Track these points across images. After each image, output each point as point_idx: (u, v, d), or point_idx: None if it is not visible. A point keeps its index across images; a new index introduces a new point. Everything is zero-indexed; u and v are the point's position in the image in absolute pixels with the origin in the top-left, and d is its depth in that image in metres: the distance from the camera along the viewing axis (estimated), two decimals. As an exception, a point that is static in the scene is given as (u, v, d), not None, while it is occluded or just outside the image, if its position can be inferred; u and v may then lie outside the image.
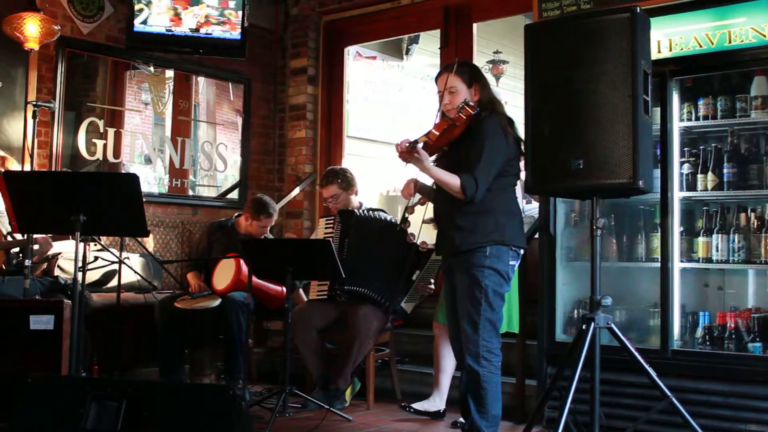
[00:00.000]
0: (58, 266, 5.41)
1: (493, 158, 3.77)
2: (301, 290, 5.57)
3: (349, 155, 7.37)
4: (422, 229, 4.54)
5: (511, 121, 3.95)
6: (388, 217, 5.43)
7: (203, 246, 5.82)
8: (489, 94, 3.99)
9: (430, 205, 4.17)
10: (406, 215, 4.14)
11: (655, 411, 3.85)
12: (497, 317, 3.80)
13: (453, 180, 3.75)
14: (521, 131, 4.00)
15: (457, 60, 4.03)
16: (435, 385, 4.97)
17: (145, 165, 6.63)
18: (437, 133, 3.84)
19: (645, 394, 4.05)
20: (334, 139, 7.35)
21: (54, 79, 6.00)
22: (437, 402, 4.93)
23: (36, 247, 4.82)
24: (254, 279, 5.22)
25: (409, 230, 4.75)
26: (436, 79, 4.04)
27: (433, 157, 3.89)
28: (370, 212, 5.40)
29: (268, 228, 5.71)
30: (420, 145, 3.76)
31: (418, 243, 4.69)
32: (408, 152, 3.74)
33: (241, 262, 5.28)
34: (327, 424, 4.64)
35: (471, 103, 3.86)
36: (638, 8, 3.67)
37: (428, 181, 4.12)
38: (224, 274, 5.46)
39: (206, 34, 6.40)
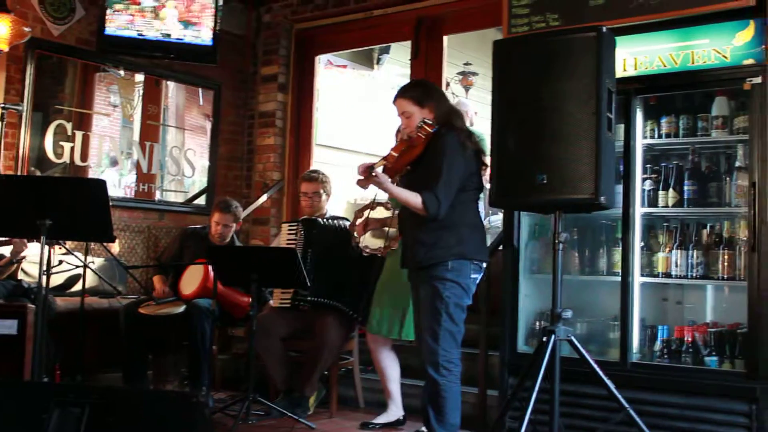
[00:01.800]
0: (22, 269, 5.37)
1: (452, 174, 3.83)
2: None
3: (317, 163, 7.38)
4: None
5: (470, 135, 4.00)
6: (344, 225, 5.45)
7: (173, 250, 5.83)
8: (444, 110, 4.05)
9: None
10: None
11: (613, 422, 3.92)
12: (457, 329, 3.86)
13: (415, 199, 3.81)
14: (488, 143, 4.06)
15: (407, 83, 4.15)
16: (387, 395, 5.00)
17: (111, 168, 6.61)
18: (395, 155, 3.91)
19: (604, 405, 4.10)
20: (302, 147, 7.37)
21: (22, 80, 5.95)
22: (395, 411, 4.97)
23: (9, 248, 4.80)
24: (221, 287, 5.23)
25: (355, 234, 4.81)
26: (393, 102, 4.12)
27: (397, 177, 3.96)
28: (334, 221, 5.42)
29: (231, 231, 5.72)
30: (380, 168, 3.83)
31: (362, 247, 4.74)
32: (366, 178, 3.81)
33: (209, 268, 5.28)
34: (290, 432, 4.66)
35: (429, 122, 3.93)
36: (604, 28, 3.76)
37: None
38: (192, 279, 5.46)
39: (178, 39, 6.40)
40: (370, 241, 4.54)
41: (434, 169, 3.82)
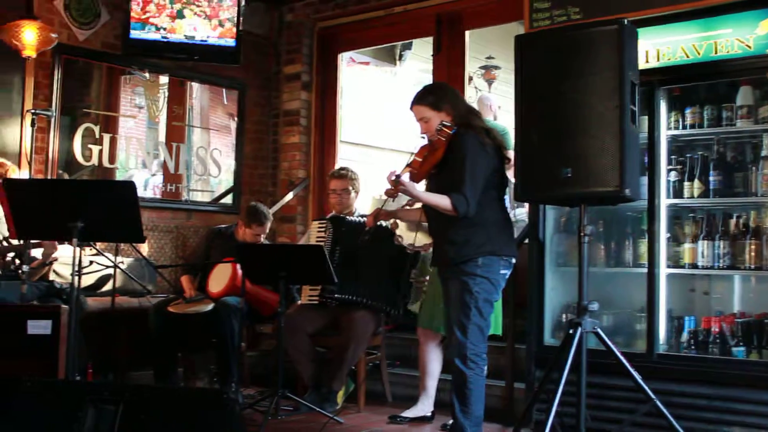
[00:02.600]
0: (54, 270, 5.45)
1: (476, 172, 3.86)
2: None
3: (342, 160, 7.42)
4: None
5: (488, 132, 4.02)
6: (381, 223, 5.48)
7: (201, 250, 5.89)
8: (462, 110, 4.08)
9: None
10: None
11: (640, 414, 3.94)
12: (485, 324, 3.91)
13: (444, 201, 3.85)
14: (512, 137, 4.09)
15: (421, 89, 4.18)
16: (421, 389, 5.02)
17: (140, 169, 6.70)
18: (420, 160, 3.96)
19: (630, 397, 4.12)
20: (327, 145, 7.41)
21: (50, 85, 6.04)
22: (426, 406, 4.98)
23: (41, 250, 4.89)
24: (249, 285, 5.28)
25: (398, 232, 4.85)
26: (410, 109, 4.16)
27: (424, 181, 4.01)
28: (362, 218, 5.44)
29: (263, 235, 5.77)
30: (406, 176, 3.90)
31: (406, 245, 4.78)
32: (394, 188, 3.86)
33: (237, 267, 5.33)
34: (318, 427, 4.69)
35: (447, 124, 3.97)
36: (626, 20, 3.76)
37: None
38: (220, 278, 5.52)
39: (201, 40, 6.46)
40: (419, 239, 4.58)
41: (457, 169, 3.87)
